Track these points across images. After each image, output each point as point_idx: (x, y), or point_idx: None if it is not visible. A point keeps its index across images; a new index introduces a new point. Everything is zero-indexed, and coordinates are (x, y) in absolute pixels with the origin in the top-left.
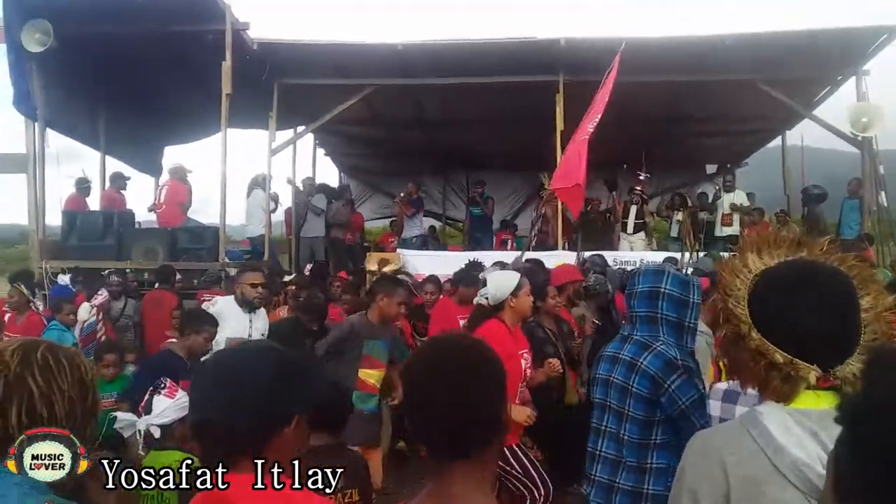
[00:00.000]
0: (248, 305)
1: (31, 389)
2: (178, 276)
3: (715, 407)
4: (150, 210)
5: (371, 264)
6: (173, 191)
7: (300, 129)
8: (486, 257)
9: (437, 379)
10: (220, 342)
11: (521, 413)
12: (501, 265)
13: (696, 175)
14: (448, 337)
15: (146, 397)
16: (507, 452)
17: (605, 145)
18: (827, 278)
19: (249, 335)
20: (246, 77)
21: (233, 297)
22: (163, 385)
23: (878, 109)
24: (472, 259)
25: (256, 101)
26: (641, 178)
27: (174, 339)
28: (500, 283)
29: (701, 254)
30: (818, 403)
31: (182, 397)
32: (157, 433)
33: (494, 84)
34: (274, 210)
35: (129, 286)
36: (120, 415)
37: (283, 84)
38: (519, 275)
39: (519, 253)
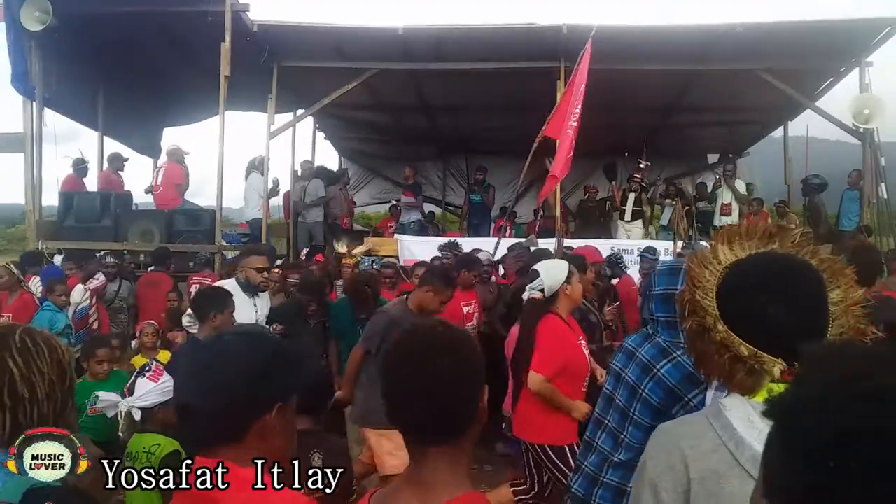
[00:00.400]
0: (252, 290)
1: (11, 371)
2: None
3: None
4: (147, 192)
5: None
6: (170, 173)
7: (299, 112)
8: (484, 244)
9: (417, 364)
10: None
11: (581, 409)
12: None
13: (698, 164)
14: (427, 323)
15: (132, 378)
16: (565, 451)
17: (607, 132)
18: (796, 271)
19: (256, 320)
20: (245, 59)
21: (234, 280)
22: (148, 368)
23: (880, 101)
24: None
25: (256, 84)
26: (642, 165)
27: (192, 328)
28: (553, 273)
29: (702, 243)
30: None
31: (166, 381)
32: (137, 416)
33: (496, 70)
34: (276, 194)
35: (125, 268)
36: (101, 394)
37: (283, 66)
38: (566, 262)
39: (506, 240)
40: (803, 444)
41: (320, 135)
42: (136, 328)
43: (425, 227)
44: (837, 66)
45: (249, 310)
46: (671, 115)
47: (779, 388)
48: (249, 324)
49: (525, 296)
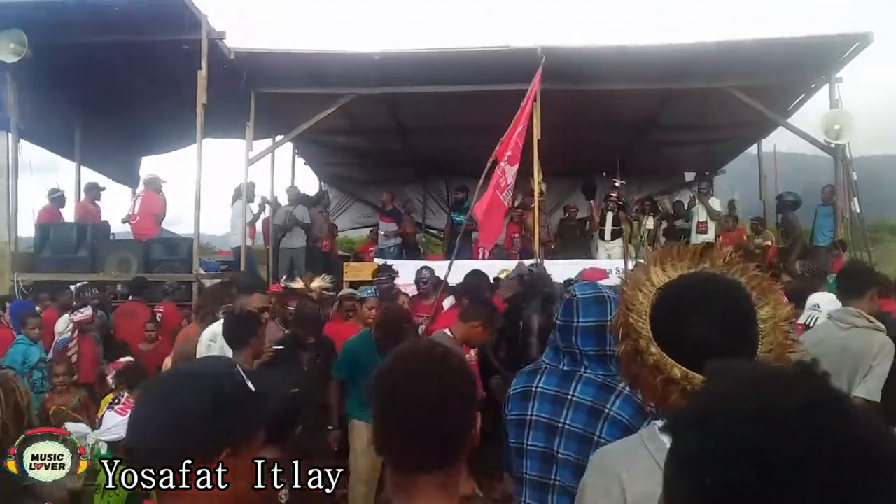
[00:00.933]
0: None
1: None
2: None
3: None
4: (125, 221)
5: (296, 282)
6: (148, 202)
7: (278, 138)
8: (465, 266)
9: (415, 386)
10: None
11: None
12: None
13: (675, 182)
14: (422, 344)
15: (104, 410)
16: None
17: (585, 152)
18: (725, 290)
19: None
20: (222, 86)
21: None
22: (117, 400)
23: (850, 117)
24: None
25: (233, 111)
26: (617, 184)
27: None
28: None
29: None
30: None
31: None
32: (104, 448)
33: (472, 92)
34: (256, 218)
35: (107, 299)
36: (71, 426)
37: (260, 93)
38: None
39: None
40: (684, 458)
41: (300, 160)
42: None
43: (402, 252)
44: (808, 83)
45: None
46: (647, 134)
47: None
48: (212, 357)
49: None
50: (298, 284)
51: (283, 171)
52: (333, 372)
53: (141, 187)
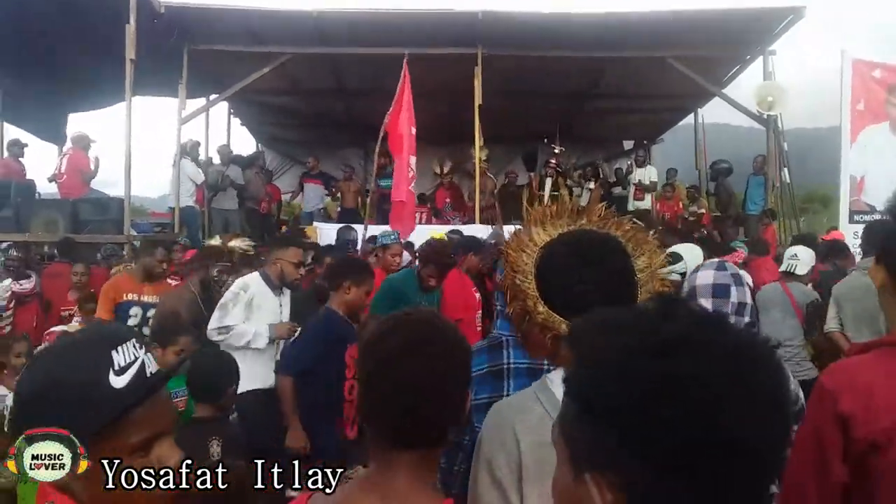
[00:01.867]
0: (281, 287)
1: None
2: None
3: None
4: (51, 180)
5: (214, 240)
6: (75, 160)
7: (213, 97)
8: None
9: (415, 360)
10: (261, 333)
11: None
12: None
13: (614, 150)
14: (423, 314)
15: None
16: None
17: (526, 119)
18: (602, 245)
19: (280, 321)
20: (153, 42)
21: (258, 274)
22: None
23: (783, 89)
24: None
25: (165, 68)
26: (556, 151)
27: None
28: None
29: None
30: None
31: None
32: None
33: (413, 55)
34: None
35: (32, 260)
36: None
37: (194, 50)
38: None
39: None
40: (584, 398)
41: (236, 121)
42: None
43: (339, 216)
44: (743, 55)
45: (274, 309)
46: (588, 102)
47: None
48: (94, 326)
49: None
50: (216, 242)
51: (218, 132)
52: (371, 308)
53: (68, 145)
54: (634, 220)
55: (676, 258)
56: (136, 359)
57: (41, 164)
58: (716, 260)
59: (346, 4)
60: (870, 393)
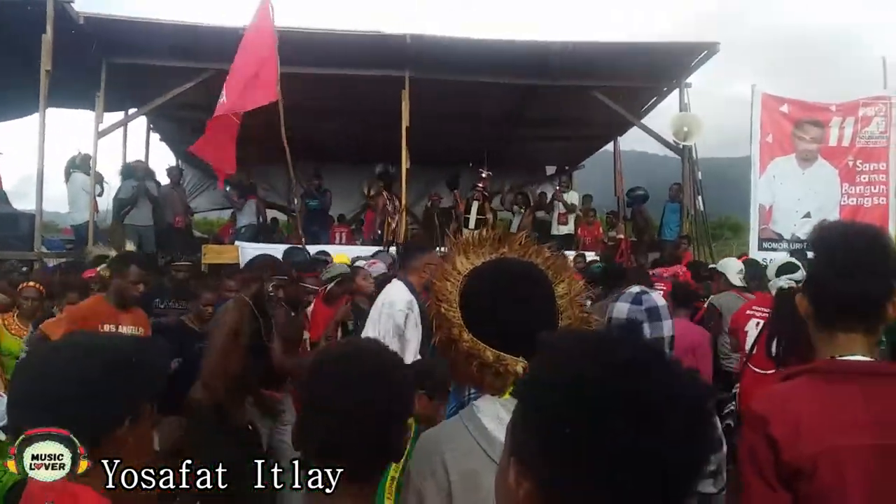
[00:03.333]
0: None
1: None
2: None
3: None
4: None
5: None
6: None
7: (132, 111)
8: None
9: (358, 393)
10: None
11: None
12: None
13: (537, 175)
14: (362, 341)
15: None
16: None
17: (452, 142)
18: (523, 273)
19: None
20: (71, 53)
21: (405, 285)
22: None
23: (697, 120)
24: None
25: (82, 80)
26: (483, 175)
27: None
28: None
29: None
30: None
31: None
32: (2, 436)
33: (341, 76)
34: (100, 194)
35: None
36: None
37: (113, 63)
38: None
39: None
40: (535, 414)
41: (155, 136)
42: None
43: (258, 232)
44: (661, 87)
45: None
46: (513, 128)
47: None
48: (97, 333)
49: (778, 287)
50: (100, 251)
51: (136, 147)
52: None
53: None
54: (558, 246)
55: (793, 268)
56: None
57: None
58: (634, 291)
59: (278, 23)
60: (797, 419)
